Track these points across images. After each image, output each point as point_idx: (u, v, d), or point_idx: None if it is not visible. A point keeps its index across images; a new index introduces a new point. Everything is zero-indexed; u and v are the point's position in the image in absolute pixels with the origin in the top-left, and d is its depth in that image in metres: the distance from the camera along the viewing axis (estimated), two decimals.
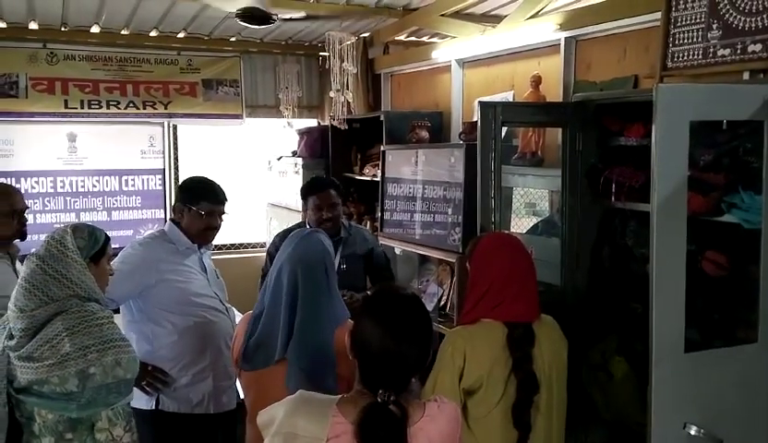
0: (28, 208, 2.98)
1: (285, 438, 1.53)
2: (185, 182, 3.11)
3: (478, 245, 2.32)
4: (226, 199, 2.92)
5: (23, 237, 2.91)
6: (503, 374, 2.11)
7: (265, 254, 3.76)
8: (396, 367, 1.52)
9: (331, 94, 5.12)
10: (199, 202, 2.83)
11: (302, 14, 4.80)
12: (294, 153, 5.75)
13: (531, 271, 2.25)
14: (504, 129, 3.01)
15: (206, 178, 2.97)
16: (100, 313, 1.97)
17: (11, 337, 1.94)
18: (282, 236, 3.05)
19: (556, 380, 2.18)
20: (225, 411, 2.88)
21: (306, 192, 3.53)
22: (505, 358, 2.11)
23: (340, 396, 1.58)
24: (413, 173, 4.11)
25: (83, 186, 5.74)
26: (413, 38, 5.36)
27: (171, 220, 2.91)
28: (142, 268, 2.72)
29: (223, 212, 2.91)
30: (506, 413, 2.11)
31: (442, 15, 4.49)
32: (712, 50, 2.75)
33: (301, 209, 5.17)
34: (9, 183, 3.57)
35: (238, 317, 2.86)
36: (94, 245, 2.07)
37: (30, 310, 1.92)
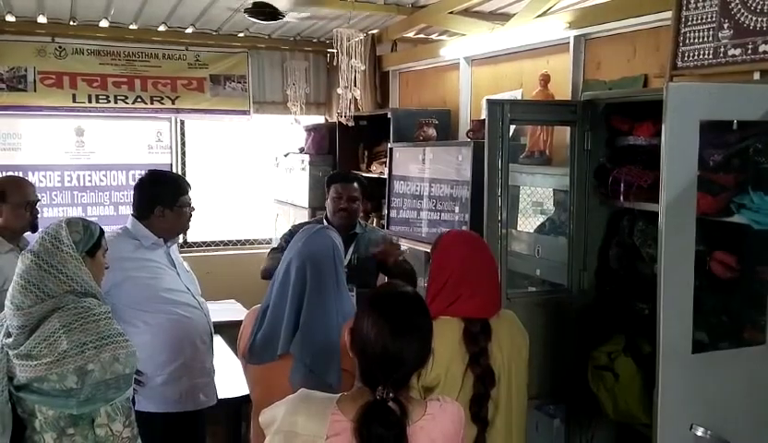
0: (39, 199, 3.00)
1: (285, 437, 1.52)
2: (156, 185, 2.90)
3: (438, 242, 2.29)
4: None
5: (34, 229, 2.94)
6: (460, 369, 2.07)
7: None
8: (394, 364, 1.52)
9: (339, 91, 5.11)
10: (180, 197, 2.83)
11: (309, 11, 4.80)
12: (302, 150, 5.75)
13: (489, 267, 2.21)
14: (512, 128, 3.00)
15: (165, 172, 2.93)
16: (96, 309, 1.95)
17: (8, 335, 1.92)
18: (293, 232, 3.03)
19: (515, 376, 2.15)
20: (205, 408, 2.84)
21: (331, 180, 3.50)
22: (462, 354, 2.08)
23: (340, 394, 1.57)
24: (420, 170, 4.11)
25: (90, 181, 5.74)
26: (421, 35, 5.34)
27: (132, 215, 2.83)
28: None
29: None
30: (464, 409, 2.08)
31: (451, 12, 4.47)
32: (722, 49, 2.73)
33: (308, 207, 5.22)
34: None
35: (239, 312, 2.83)
36: (89, 238, 2.03)
37: (26, 307, 1.89)
